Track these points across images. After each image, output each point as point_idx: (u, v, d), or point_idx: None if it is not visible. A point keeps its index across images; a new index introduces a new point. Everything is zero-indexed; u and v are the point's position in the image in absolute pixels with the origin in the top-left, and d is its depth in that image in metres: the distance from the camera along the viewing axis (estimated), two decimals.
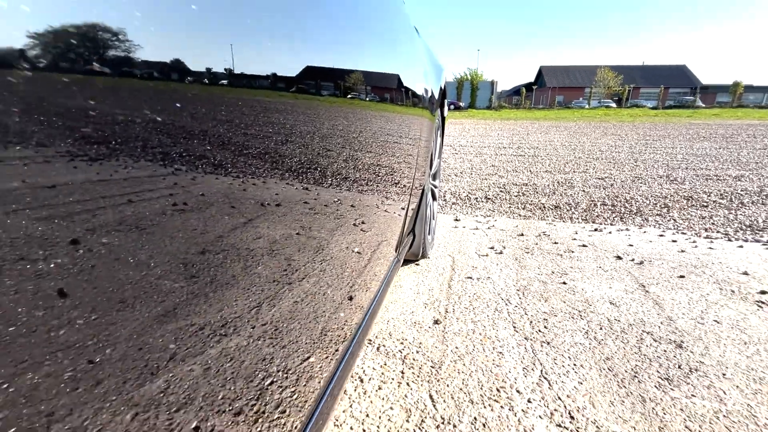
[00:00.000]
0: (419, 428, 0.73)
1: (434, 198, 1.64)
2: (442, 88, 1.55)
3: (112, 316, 0.18)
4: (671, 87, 43.26)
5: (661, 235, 1.92)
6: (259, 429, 0.32)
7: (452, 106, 30.39)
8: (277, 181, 0.33)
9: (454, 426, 0.73)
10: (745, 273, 1.42)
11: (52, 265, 0.15)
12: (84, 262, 0.17)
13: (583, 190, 3.06)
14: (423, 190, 1.25)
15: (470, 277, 1.39)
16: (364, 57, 0.57)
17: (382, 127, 0.68)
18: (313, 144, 0.40)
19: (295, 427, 0.38)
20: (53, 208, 0.16)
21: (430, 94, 1.20)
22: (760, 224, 2.14)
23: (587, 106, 32.62)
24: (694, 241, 1.82)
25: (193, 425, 0.25)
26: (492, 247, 1.71)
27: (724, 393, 0.82)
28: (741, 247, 1.74)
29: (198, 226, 0.24)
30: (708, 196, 2.84)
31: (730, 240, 1.85)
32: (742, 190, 3.04)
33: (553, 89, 42.21)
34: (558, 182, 3.39)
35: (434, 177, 1.60)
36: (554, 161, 4.66)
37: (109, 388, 0.18)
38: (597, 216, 2.34)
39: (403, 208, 0.91)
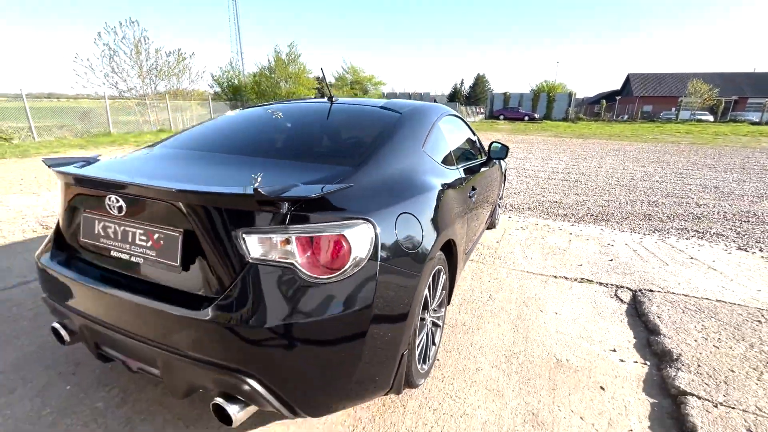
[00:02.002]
0: (493, 255, 3.59)
1: (499, 207, 4.45)
2: (505, 167, 4.35)
3: None
4: None
5: (601, 229, 4.51)
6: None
7: (527, 118, 31.87)
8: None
9: (500, 256, 3.58)
10: (613, 240, 4.03)
11: None
12: None
13: (588, 208, 5.58)
14: (495, 204, 4.07)
15: (510, 234, 4.20)
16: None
17: (492, 184, 3.48)
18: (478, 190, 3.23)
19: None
20: None
21: (502, 170, 4.02)
22: (664, 230, 4.59)
23: (675, 119, 31.87)
24: (612, 231, 4.39)
25: None
26: (521, 227, 4.48)
27: (570, 259, 3.56)
28: (630, 235, 4.29)
29: None
30: (660, 215, 5.22)
31: (631, 231, 4.39)
32: (687, 214, 5.33)
33: (640, 99, 41.04)
34: (577, 202, 5.93)
35: (500, 198, 4.41)
36: (588, 187, 7.07)
37: None
38: (583, 220, 4.94)
39: (489, 212, 3.72)
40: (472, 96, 48.68)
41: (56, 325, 1.61)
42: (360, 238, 1.27)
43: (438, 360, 2.05)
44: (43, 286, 1.63)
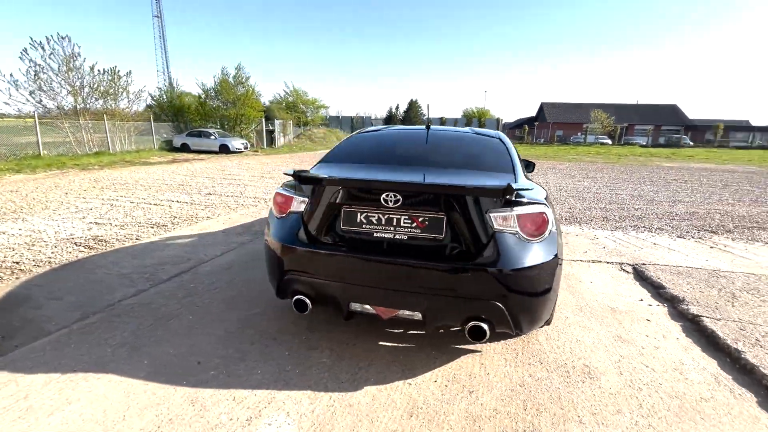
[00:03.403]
0: None
1: None
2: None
3: None
4: (663, 125, 48.35)
5: (579, 228, 5.75)
6: None
7: None
8: None
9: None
10: (595, 235, 5.25)
11: None
12: None
13: (558, 214, 6.90)
14: None
15: None
16: None
17: None
18: None
19: None
20: None
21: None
22: (622, 227, 5.98)
23: (583, 143, 37.28)
24: (591, 229, 5.65)
25: None
26: None
27: (575, 249, 4.64)
28: (603, 231, 5.57)
29: None
30: (614, 217, 6.68)
31: (601, 228, 5.68)
32: (631, 216, 6.89)
33: (553, 124, 47.07)
34: None
35: None
36: None
37: None
38: (561, 223, 6.17)
39: None
40: (406, 120, 51.25)
41: (301, 297, 2.12)
42: (550, 215, 2.06)
43: None
44: (293, 266, 2.13)
